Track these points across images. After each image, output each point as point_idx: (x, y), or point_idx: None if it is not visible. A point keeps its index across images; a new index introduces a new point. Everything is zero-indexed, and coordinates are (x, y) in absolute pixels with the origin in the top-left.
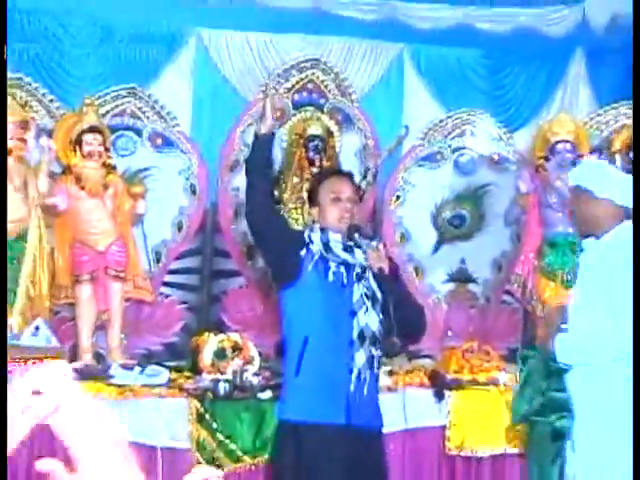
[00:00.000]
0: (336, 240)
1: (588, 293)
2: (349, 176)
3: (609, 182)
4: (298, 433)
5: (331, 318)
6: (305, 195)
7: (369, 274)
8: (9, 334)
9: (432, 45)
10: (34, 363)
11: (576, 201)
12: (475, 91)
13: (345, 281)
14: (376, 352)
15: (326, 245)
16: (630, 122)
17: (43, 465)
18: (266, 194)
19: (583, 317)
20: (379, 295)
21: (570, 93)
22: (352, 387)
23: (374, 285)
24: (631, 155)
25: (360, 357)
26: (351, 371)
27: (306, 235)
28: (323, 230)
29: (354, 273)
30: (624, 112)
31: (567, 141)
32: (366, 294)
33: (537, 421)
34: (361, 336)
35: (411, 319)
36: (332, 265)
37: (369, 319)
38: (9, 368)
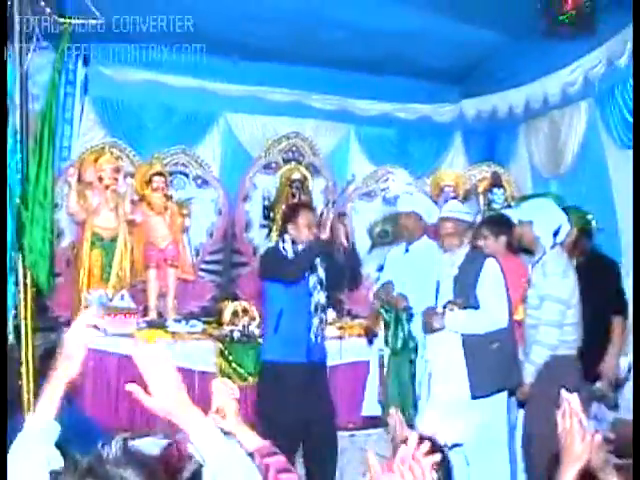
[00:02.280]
0: (301, 248)
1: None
2: (314, 210)
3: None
4: (275, 368)
5: (297, 297)
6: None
7: (319, 269)
8: (106, 299)
9: (368, 125)
10: (120, 317)
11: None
12: (393, 154)
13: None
14: (324, 317)
15: (295, 252)
16: (488, 175)
17: (130, 387)
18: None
19: None
20: (324, 281)
21: (452, 157)
22: (311, 338)
23: (322, 274)
24: (489, 196)
25: (315, 321)
26: (309, 330)
27: (281, 247)
28: (294, 242)
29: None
30: (484, 169)
31: (450, 185)
32: (318, 281)
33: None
34: (316, 308)
35: (354, 276)
36: None
37: (320, 297)
38: (105, 320)
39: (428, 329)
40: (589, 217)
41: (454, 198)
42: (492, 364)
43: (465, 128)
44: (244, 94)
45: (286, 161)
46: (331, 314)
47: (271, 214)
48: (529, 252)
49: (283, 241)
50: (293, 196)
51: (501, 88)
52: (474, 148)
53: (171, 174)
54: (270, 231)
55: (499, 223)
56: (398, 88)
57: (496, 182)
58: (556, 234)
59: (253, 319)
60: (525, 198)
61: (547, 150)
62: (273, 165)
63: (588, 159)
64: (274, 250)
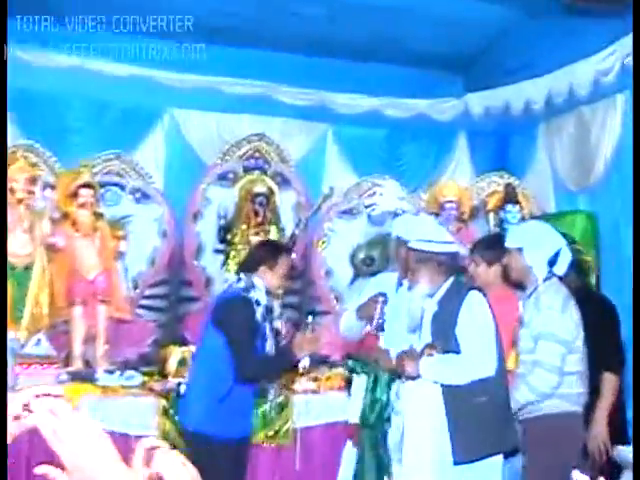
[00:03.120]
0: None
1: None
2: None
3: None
4: (210, 443)
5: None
6: (252, 239)
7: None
8: (17, 345)
9: (350, 126)
10: (36, 368)
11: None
12: (379, 162)
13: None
14: None
15: (268, 308)
16: (500, 188)
17: (39, 470)
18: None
19: None
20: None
21: (455, 165)
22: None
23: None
24: (500, 214)
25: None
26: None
27: (252, 297)
28: (268, 293)
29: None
30: (495, 180)
31: (452, 201)
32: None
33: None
34: None
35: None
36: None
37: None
38: (16, 371)
39: (402, 375)
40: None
41: (459, 217)
42: (479, 422)
43: (471, 129)
44: (195, 85)
45: (248, 170)
46: (304, 361)
47: (228, 236)
48: (521, 286)
49: (253, 287)
50: (256, 214)
51: (515, 79)
52: (482, 154)
53: (102, 186)
54: (227, 257)
55: (493, 247)
56: (387, 79)
57: (510, 197)
58: (552, 263)
59: None
60: (547, 217)
61: (574, 156)
62: (231, 175)
63: (624, 167)
64: (243, 301)
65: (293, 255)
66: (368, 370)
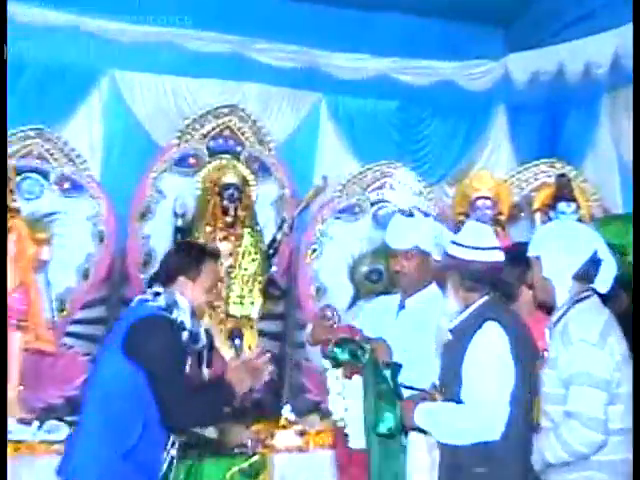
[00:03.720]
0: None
1: None
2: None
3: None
4: None
5: None
6: (219, 245)
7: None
8: None
9: (350, 95)
10: None
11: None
12: (392, 144)
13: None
14: None
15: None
16: (550, 180)
17: None
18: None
19: None
20: None
21: (491, 149)
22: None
23: None
24: (551, 215)
25: None
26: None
27: (176, 318)
28: (193, 314)
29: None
30: (544, 170)
31: (487, 197)
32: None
33: None
34: None
35: None
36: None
37: None
38: None
39: (407, 425)
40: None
41: (495, 219)
42: None
43: (512, 101)
44: (144, 40)
45: (214, 153)
46: (287, 411)
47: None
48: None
49: (176, 306)
50: (225, 212)
51: (572, 35)
52: (527, 135)
53: (19, 173)
54: None
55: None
56: (401, 33)
57: (563, 192)
58: (584, 277)
59: None
60: (612, 219)
61: None
62: (192, 160)
63: None
64: (166, 323)
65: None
66: (363, 355)
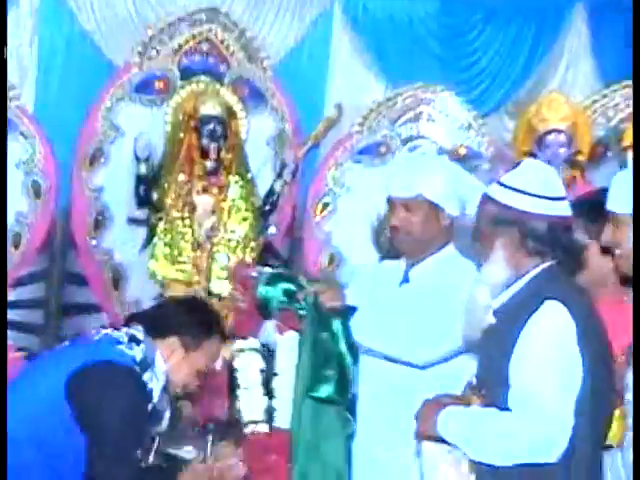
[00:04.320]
0: None
1: None
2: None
3: None
4: None
5: None
6: (197, 199)
7: None
8: None
9: None
10: None
11: None
12: (431, 59)
13: None
14: None
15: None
16: None
17: None
18: None
19: None
20: None
21: (566, 65)
22: None
23: None
24: None
25: None
26: None
27: (147, 386)
28: (165, 389)
29: None
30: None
31: (560, 131)
32: None
33: None
34: None
35: None
36: None
37: None
38: None
39: (420, 436)
40: None
41: (571, 159)
42: None
43: (596, 1)
44: None
45: (189, 75)
46: None
47: (154, 194)
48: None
49: (152, 367)
50: (204, 154)
51: None
52: (614, 45)
53: None
54: (152, 234)
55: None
56: None
57: None
58: None
59: None
60: None
61: None
62: (159, 84)
63: None
64: (134, 379)
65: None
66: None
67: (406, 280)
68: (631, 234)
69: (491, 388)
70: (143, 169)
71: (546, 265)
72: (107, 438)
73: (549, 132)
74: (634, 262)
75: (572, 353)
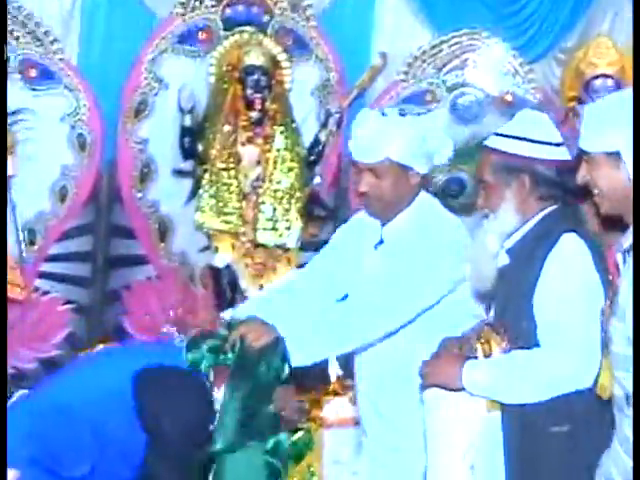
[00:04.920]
0: None
1: None
2: None
3: None
4: None
5: None
6: (242, 150)
7: None
8: None
9: None
10: None
11: None
12: (477, 5)
13: None
14: None
15: None
16: None
17: None
18: None
19: None
20: None
21: (614, 10)
22: None
23: None
24: None
25: None
26: None
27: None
28: None
29: None
30: None
31: (608, 76)
32: None
33: None
34: None
35: None
36: None
37: None
38: None
39: (426, 385)
40: None
41: None
42: (553, 468)
43: None
44: None
45: (231, 25)
46: (337, 372)
47: (198, 146)
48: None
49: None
50: (249, 105)
51: None
52: None
53: None
54: (197, 183)
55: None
56: None
57: None
58: None
59: None
60: None
61: None
62: (202, 35)
63: None
64: (204, 404)
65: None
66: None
67: (381, 242)
68: (608, 173)
69: (512, 327)
70: (187, 121)
71: (553, 207)
72: (168, 443)
73: (596, 77)
74: (634, 261)
75: (594, 281)
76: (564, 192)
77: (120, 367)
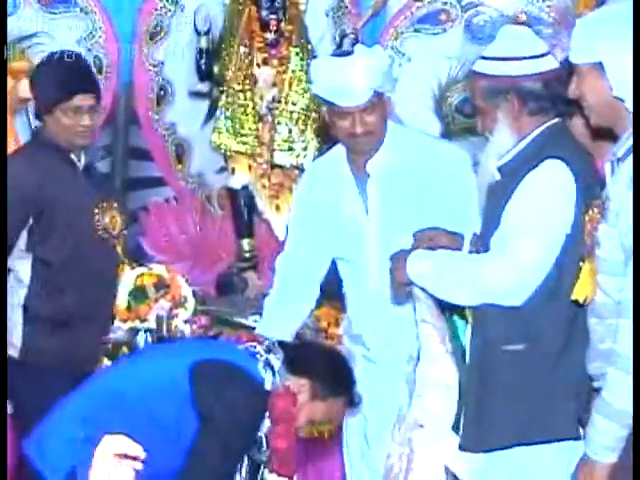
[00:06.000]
0: None
1: None
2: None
3: None
4: None
5: None
6: (258, 72)
7: None
8: None
9: None
10: None
11: None
12: None
13: None
14: None
15: None
16: None
17: None
18: None
19: None
20: None
21: None
22: None
23: None
24: None
25: None
26: None
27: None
28: None
29: None
30: None
31: None
32: None
33: None
34: None
35: None
36: None
37: None
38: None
39: (395, 286)
40: None
41: None
42: (508, 388)
43: None
44: None
45: None
46: None
47: (215, 68)
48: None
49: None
50: (264, 27)
51: None
52: None
53: None
54: (214, 105)
55: None
56: None
57: None
58: None
59: (180, 304)
60: None
61: None
62: None
63: None
64: (260, 404)
65: None
66: None
67: (367, 175)
68: (593, 84)
69: (483, 239)
70: (203, 42)
71: (550, 123)
72: (222, 433)
73: None
74: (634, 261)
75: (566, 212)
76: (553, 103)
77: (175, 360)
